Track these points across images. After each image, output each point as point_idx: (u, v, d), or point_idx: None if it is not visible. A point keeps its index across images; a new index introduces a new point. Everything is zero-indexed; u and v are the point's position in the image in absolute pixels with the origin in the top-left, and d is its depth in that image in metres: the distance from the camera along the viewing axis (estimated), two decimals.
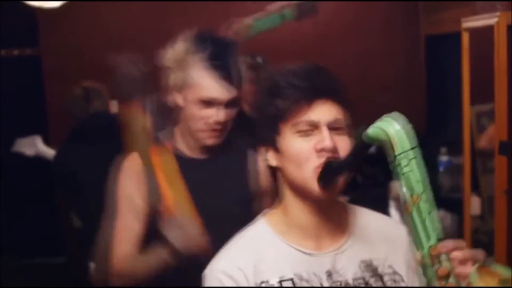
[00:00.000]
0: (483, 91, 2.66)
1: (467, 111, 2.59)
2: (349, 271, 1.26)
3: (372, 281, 1.26)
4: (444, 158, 3.32)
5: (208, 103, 1.70)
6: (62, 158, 3.14)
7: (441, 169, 3.32)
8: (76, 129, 3.13)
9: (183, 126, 1.79)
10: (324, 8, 4.17)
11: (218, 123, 1.72)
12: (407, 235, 1.29)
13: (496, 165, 2.31)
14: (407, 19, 4.22)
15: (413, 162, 1.07)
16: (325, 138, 1.21)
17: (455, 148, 3.38)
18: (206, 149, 1.79)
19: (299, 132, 1.23)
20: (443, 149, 3.34)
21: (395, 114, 1.10)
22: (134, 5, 4.24)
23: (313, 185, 1.22)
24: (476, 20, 2.46)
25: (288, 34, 4.11)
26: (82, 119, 3.12)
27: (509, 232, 2.28)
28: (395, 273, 1.27)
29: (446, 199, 3.24)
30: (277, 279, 1.27)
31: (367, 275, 1.26)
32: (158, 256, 1.69)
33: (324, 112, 1.23)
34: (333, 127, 1.22)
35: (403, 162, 1.07)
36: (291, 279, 1.27)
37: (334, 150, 1.21)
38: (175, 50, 1.74)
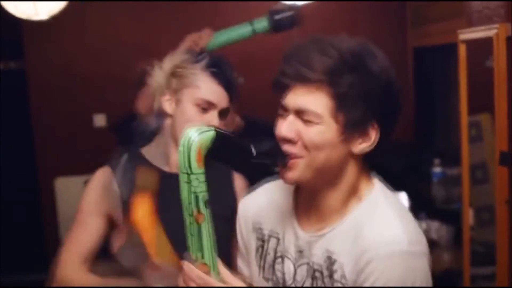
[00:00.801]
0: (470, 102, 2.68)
1: (465, 122, 2.60)
2: (316, 256, 1.24)
3: (325, 274, 1.22)
4: (437, 169, 3.33)
5: (204, 108, 1.71)
6: None
7: (435, 180, 3.33)
8: None
9: (168, 136, 1.77)
10: (312, 21, 4.20)
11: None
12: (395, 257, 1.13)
13: (497, 175, 2.32)
14: (395, 32, 4.26)
15: (186, 187, 1.13)
16: (281, 126, 1.20)
17: (446, 159, 3.41)
18: None
19: (279, 115, 1.24)
20: (437, 161, 3.36)
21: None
22: (120, 18, 4.21)
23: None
24: (474, 32, 2.48)
25: (274, 43, 4.12)
26: None
27: (511, 243, 2.28)
28: (343, 276, 1.19)
29: (441, 210, 3.26)
30: (268, 231, 1.34)
31: (324, 266, 1.22)
32: (100, 282, 1.67)
33: (295, 98, 1.19)
34: (302, 116, 1.18)
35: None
36: (278, 238, 1.32)
37: (288, 139, 1.18)
38: (175, 58, 1.77)
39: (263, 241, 1.35)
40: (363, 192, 1.24)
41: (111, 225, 1.73)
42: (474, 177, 3.10)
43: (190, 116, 1.71)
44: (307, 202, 1.28)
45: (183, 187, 1.13)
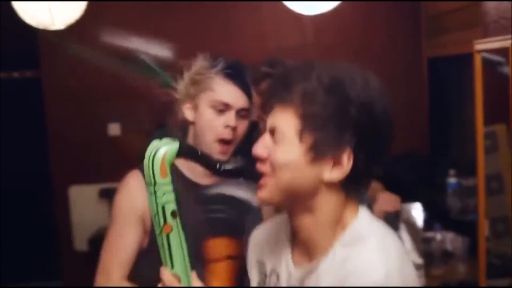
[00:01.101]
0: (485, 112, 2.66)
1: (481, 133, 2.57)
2: None
3: None
4: (452, 180, 3.30)
5: (220, 109, 1.72)
6: None
7: (450, 191, 3.30)
8: None
9: (191, 143, 1.79)
10: (327, 31, 4.20)
11: (229, 128, 1.72)
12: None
13: None
14: (409, 42, 4.25)
15: (152, 198, 1.15)
16: (256, 144, 1.21)
17: (461, 170, 3.38)
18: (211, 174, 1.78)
19: None
20: (452, 171, 3.33)
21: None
22: (134, 28, 4.23)
23: None
24: (490, 42, 2.46)
25: (291, 56, 4.12)
26: None
27: None
28: None
29: (456, 221, 3.23)
30: (271, 267, 1.30)
31: None
32: None
33: (271, 117, 1.22)
34: (274, 135, 1.19)
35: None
36: (277, 275, 1.28)
37: (260, 158, 1.20)
38: (194, 67, 1.79)
39: (265, 276, 1.31)
40: (347, 223, 1.18)
41: (144, 228, 1.75)
42: (490, 187, 3.08)
43: (208, 119, 1.73)
44: (297, 234, 1.24)
45: (150, 199, 1.16)
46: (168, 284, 1.17)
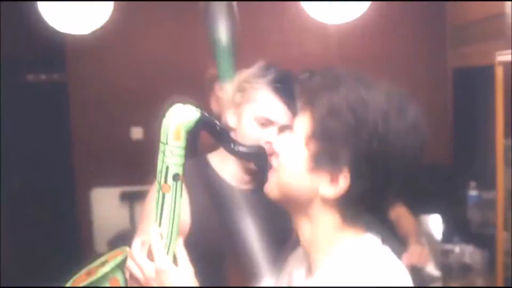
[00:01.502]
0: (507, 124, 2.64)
1: (501, 145, 2.55)
2: None
3: None
4: (473, 192, 3.27)
5: (263, 123, 1.69)
6: None
7: (471, 204, 3.27)
8: None
9: None
10: (351, 40, 4.19)
11: (269, 144, 1.68)
12: None
13: None
14: (434, 52, 4.22)
15: (160, 156, 1.20)
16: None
17: (483, 182, 3.34)
18: (250, 179, 1.79)
19: None
20: (473, 184, 3.30)
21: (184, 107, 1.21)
22: (157, 35, 4.28)
23: None
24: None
25: (313, 62, 4.12)
26: None
27: None
28: None
29: (476, 235, 3.20)
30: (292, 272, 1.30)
31: None
32: None
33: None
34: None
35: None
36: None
37: (273, 151, 1.25)
38: (244, 73, 1.77)
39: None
40: (346, 243, 1.15)
41: None
42: (510, 201, 3.04)
43: (248, 131, 1.70)
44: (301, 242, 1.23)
45: (159, 156, 1.21)
46: (150, 237, 1.22)
